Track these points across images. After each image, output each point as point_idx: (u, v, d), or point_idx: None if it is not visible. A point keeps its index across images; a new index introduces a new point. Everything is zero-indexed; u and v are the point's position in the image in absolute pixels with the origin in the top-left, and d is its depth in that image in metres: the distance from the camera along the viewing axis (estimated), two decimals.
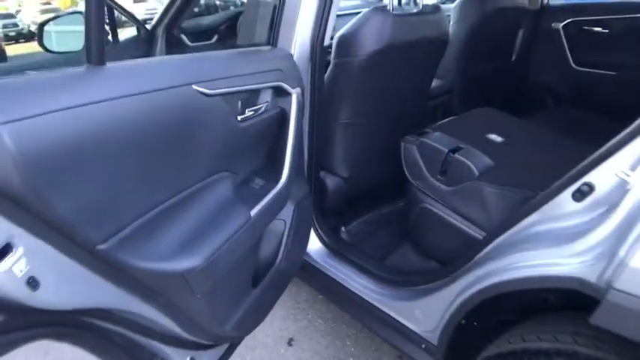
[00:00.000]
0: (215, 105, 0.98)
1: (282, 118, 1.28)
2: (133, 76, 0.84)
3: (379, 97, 1.80)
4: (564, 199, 1.06)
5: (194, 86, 0.91)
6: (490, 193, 1.43)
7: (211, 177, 1.04)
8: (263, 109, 1.19)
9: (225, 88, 1.00)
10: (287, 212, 1.42)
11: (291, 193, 1.36)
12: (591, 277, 0.93)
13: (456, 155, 1.51)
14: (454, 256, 1.54)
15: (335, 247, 1.80)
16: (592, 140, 2.13)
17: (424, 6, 1.80)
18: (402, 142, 1.69)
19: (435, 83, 2.23)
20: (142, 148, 0.83)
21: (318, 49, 1.47)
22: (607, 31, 2.38)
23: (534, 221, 1.13)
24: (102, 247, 0.79)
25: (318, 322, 2.11)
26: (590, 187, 1.01)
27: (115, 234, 0.81)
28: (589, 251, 0.96)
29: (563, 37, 2.55)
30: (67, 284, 0.79)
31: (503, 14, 2.36)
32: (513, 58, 2.66)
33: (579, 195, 1.03)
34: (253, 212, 1.10)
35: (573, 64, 2.54)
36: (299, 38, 1.42)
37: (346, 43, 1.62)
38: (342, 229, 2.00)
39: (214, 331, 1.15)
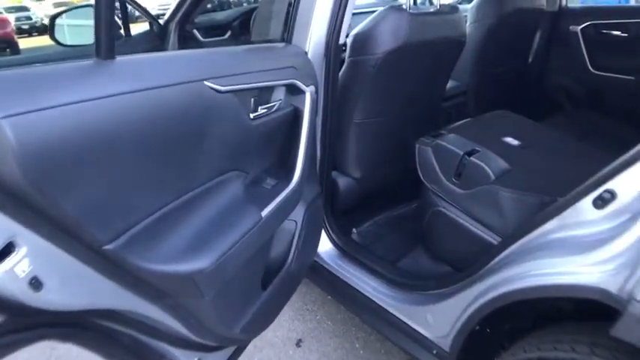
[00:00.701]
0: (227, 102, 0.96)
1: (296, 116, 1.25)
2: (143, 71, 0.81)
3: (394, 96, 1.77)
4: (584, 206, 1.02)
5: (206, 82, 0.89)
6: (506, 197, 1.39)
7: (222, 176, 1.02)
8: (276, 107, 1.17)
9: (237, 84, 0.98)
10: (298, 213, 1.40)
11: (302, 193, 1.33)
12: (613, 287, 0.90)
13: (472, 158, 1.47)
14: (468, 260, 1.51)
15: (346, 248, 1.77)
16: (610, 146, 2.09)
17: (441, 5, 1.77)
18: (416, 143, 1.66)
19: (449, 84, 2.20)
20: (151, 145, 0.81)
21: (333, 46, 1.44)
22: (626, 34, 2.33)
23: (553, 228, 1.09)
24: (109, 247, 0.77)
25: (327, 324, 2.09)
26: (612, 195, 0.97)
27: (123, 234, 0.79)
28: (610, 261, 0.93)
29: (581, 40, 2.50)
30: (72, 285, 0.77)
31: (520, 16, 2.31)
32: (530, 60, 2.61)
33: (600, 202, 0.99)
34: (264, 213, 1.07)
35: (591, 68, 2.49)
36: (314, 35, 1.40)
37: (362, 41, 1.60)
38: (354, 230, 1.97)
39: (222, 333, 1.12)
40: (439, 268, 1.68)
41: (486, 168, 1.43)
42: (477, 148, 1.51)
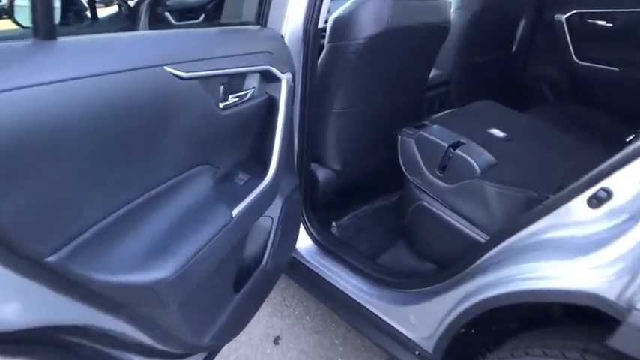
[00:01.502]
0: (192, 90, 0.85)
1: (271, 105, 1.16)
2: (92, 55, 0.70)
3: (376, 84, 1.69)
4: (578, 205, 0.96)
5: (166, 67, 0.79)
6: (492, 192, 1.33)
7: (188, 172, 0.92)
8: (249, 95, 1.07)
9: (204, 70, 0.88)
10: (275, 208, 1.31)
11: (279, 188, 1.24)
12: (611, 294, 0.84)
13: (457, 151, 1.40)
14: (452, 257, 1.45)
15: (325, 243, 1.70)
16: (594, 138, 2.05)
17: None
18: (399, 135, 1.58)
19: (432, 73, 2.12)
20: (100, 139, 0.70)
21: (311, 31, 1.35)
22: (611, 24, 2.28)
23: (543, 227, 1.03)
24: (51, 259, 0.66)
25: (306, 320, 2.02)
26: (608, 194, 0.91)
27: (68, 243, 0.69)
28: (608, 265, 0.87)
29: (565, 29, 2.44)
30: (17, 301, 0.67)
31: (505, 3, 2.25)
32: (514, 49, 2.55)
33: (595, 201, 0.93)
34: (236, 212, 0.98)
35: (575, 58, 2.44)
36: (291, 18, 1.30)
37: (342, 25, 1.50)
38: (333, 224, 1.89)
39: (192, 342, 1.04)
40: (422, 264, 1.62)
41: (472, 161, 1.37)
42: (462, 141, 1.44)
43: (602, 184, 0.91)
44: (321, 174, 1.77)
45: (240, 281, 1.21)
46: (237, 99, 1.01)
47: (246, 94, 1.05)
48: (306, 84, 1.43)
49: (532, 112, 2.28)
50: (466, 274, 1.21)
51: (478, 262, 1.18)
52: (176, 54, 0.83)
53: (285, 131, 1.18)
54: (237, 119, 1.03)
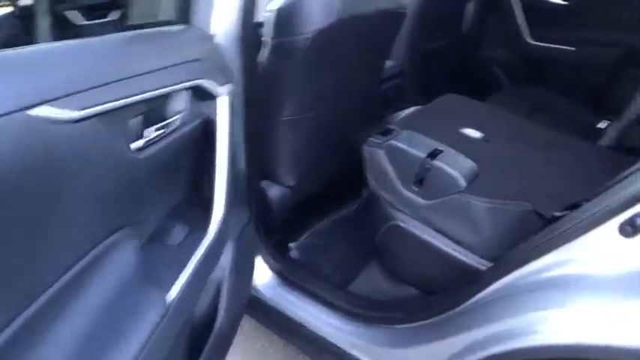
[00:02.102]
0: (87, 135, 0.57)
1: (208, 129, 0.89)
2: None
3: (329, 84, 1.44)
4: (608, 233, 0.77)
5: (37, 111, 0.50)
6: (480, 208, 1.13)
7: (98, 246, 0.64)
8: (178, 122, 0.80)
9: (106, 102, 0.60)
10: (225, 254, 1.05)
11: (229, 229, 0.98)
12: None
13: (436, 162, 1.19)
14: (436, 281, 1.25)
15: (285, 272, 1.45)
16: (560, 124, 1.92)
17: None
18: (364, 145, 1.35)
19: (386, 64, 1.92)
20: None
21: (248, 26, 1.09)
22: (566, 3, 2.15)
23: (562, 260, 0.84)
24: None
25: (270, 353, 1.77)
26: None
27: None
28: None
29: (517, 8, 2.29)
30: None
31: None
32: (465, 32, 2.37)
33: (631, 229, 0.74)
34: (173, 293, 0.71)
35: (530, 39, 2.30)
36: (221, 12, 1.02)
37: (286, 18, 1.24)
38: (291, 245, 1.65)
39: None
40: (401, 290, 1.41)
41: (454, 174, 1.16)
42: (439, 148, 1.23)
43: None
44: (274, 193, 1.51)
45: (193, 354, 0.94)
46: (160, 131, 0.74)
47: (172, 123, 0.78)
48: (247, 91, 1.17)
49: (492, 100, 2.13)
50: (465, 311, 1.01)
51: (479, 296, 0.98)
52: (55, 85, 0.54)
53: (230, 159, 0.92)
54: (161, 158, 0.75)
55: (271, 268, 1.48)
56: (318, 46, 1.27)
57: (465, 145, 1.29)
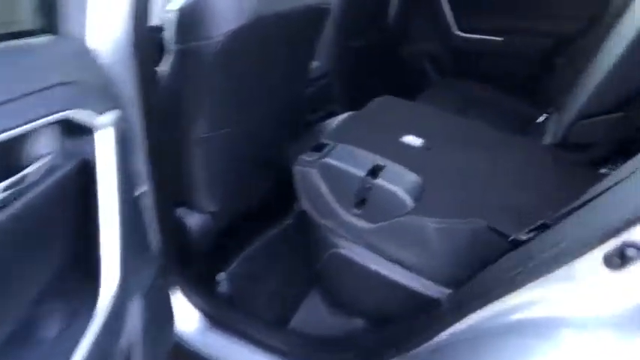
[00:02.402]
0: None
1: (86, 176, 0.67)
2: None
3: (248, 93, 1.25)
4: (591, 265, 0.65)
5: None
6: (430, 229, 1.00)
7: None
8: (43, 171, 0.58)
9: None
10: (133, 317, 0.83)
11: (131, 290, 0.77)
12: None
13: (378, 180, 1.04)
14: (386, 311, 1.11)
15: (214, 312, 1.26)
16: (497, 118, 1.86)
17: None
18: (295, 165, 1.18)
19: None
20: None
21: (141, 31, 0.87)
22: None
23: (538, 297, 0.72)
24: None
25: None
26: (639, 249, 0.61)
27: None
28: None
29: None
30: None
31: None
32: (391, 26, 2.26)
33: (618, 260, 0.63)
34: None
35: (456, 30, 2.23)
36: (101, 16, 0.80)
37: (191, 19, 1.04)
38: (219, 277, 1.45)
39: None
40: (349, 322, 1.25)
41: (400, 193, 1.02)
42: (379, 164, 1.08)
43: (629, 234, 0.61)
44: (193, 221, 1.31)
45: None
46: (12, 191, 0.52)
47: (33, 173, 0.56)
48: (149, 110, 0.95)
49: (424, 98, 2.04)
50: (427, 354, 0.87)
51: (441, 337, 0.85)
52: None
53: (123, 204, 0.71)
54: (18, 226, 0.53)
55: (197, 308, 1.27)
56: (232, 50, 1.07)
57: (406, 156, 1.15)
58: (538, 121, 1.70)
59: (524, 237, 0.85)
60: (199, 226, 1.32)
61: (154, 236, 1.10)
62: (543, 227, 0.82)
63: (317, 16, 1.35)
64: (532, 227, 0.85)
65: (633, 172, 0.68)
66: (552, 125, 1.52)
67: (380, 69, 2.23)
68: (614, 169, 1.37)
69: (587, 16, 1.96)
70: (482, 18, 2.15)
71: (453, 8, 2.18)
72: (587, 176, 1.26)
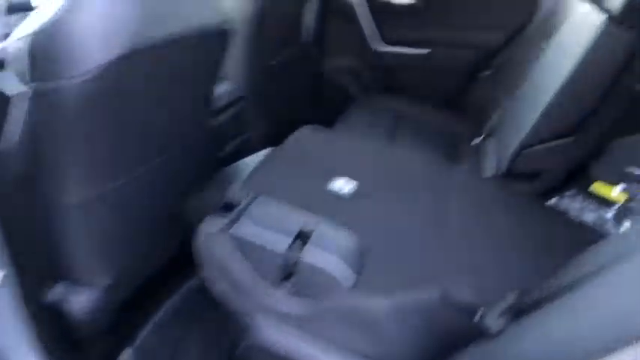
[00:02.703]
0: None
1: None
2: None
3: (132, 138, 0.98)
4: None
5: None
6: (376, 309, 0.80)
7: None
8: None
9: None
10: None
11: None
12: None
13: (307, 253, 0.82)
14: None
15: None
16: (429, 139, 1.71)
17: None
18: (199, 235, 0.93)
19: (221, 89, 1.51)
20: None
21: None
22: (413, 2, 1.95)
23: None
24: None
25: None
26: None
27: None
28: None
29: (362, 11, 2.04)
30: None
31: None
32: (306, 41, 2.06)
33: None
34: None
35: (377, 43, 2.07)
36: None
37: (49, 51, 0.77)
38: (127, 353, 1.17)
39: None
40: None
41: (336, 268, 0.81)
42: (306, 228, 0.87)
43: None
44: (78, 303, 1.03)
45: None
46: None
47: None
48: None
49: (348, 118, 1.86)
50: None
51: None
52: None
53: None
54: None
55: None
56: (106, 87, 0.82)
57: (338, 209, 0.95)
58: (474, 143, 1.58)
59: (493, 325, 0.67)
60: (88, 305, 1.04)
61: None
62: (518, 312, 0.65)
63: (216, 39, 1.12)
64: (502, 310, 0.68)
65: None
66: (492, 151, 1.40)
67: (299, 87, 2.03)
68: (564, 198, 1.27)
69: (512, 26, 1.89)
70: (404, 31, 2.01)
71: (375, 21, 2.02)
72: (546, 215, 1.14)
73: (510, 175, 1.23)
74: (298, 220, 0.87)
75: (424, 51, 2.01)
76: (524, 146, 1.17)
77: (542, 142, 1.16)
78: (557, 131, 1.14)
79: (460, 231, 0.99)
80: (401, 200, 1.04)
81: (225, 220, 0.89)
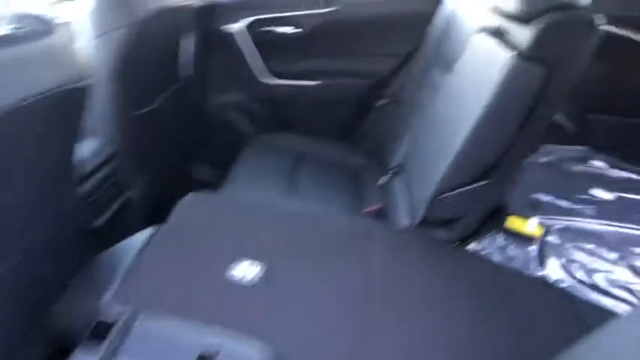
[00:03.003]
0: None
1: None
2: None
3: None
4: None
5: None
6: None
7: None
8: None
9: None
10: None
11: None
12: None
13: None
14: None
15: None
16: (328, 180, 1.58)
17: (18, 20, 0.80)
18: None
19: (85, 150, 1.26)
20: None
21: None
22: (300, 30, 1.83)
23: None
24: None
25: None
26: None
27: None
28: None
29: (243, 40, 1.88)
30: None
31: (167, 18, 1.51)
32: (188, 77, 1.84)
33: None
34: None
35: (266, 77, 1.92)
36: None
37: None
38: None
39: None
40: None
41: None
42: (208, 352, 0.67)
43: None
44: None
45: None
46: None
47: None
48: None
49: (241, 163, 1.67)
50: None
51: None
52: None
53: None
54: None
55: None
56: None
57: (244, 305, 0.77)
58: (380, 182, 1.48)
59: None
60: None
61: None
62: None
63: (67, 100, 0.88)
64: None
65: None
66: (402, 196, 1.30)
67: (182, 132, 1.81)
68: (484, 239, 1.21)
69: (401, 54, 1.84)
70: (292, 61, 1.89)
71: (260, 51, 1.86)
72: (471, 264, 1.05)
73: (426, 222, 1.14)
74: (196, 342, 0.67)
75: (314, 82, 1.89)
76: (439, 193, 1.08)
77: (457, 187, 1.07)
78: (473, 175, 1.06)
79: (386, 304, 0.86)
80: (315, 280, 0.89)
81: (100, 354, 0.66)
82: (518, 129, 1.00)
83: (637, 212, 1.32)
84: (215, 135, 2.01)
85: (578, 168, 1.58)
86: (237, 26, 1.84)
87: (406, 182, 1.31)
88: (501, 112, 0.99)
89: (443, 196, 1.09)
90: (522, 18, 0.99)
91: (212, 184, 1.69)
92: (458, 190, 1.07)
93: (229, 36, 1.87)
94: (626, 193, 1.40)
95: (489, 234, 1.17)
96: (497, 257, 1.14)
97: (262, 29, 1.85)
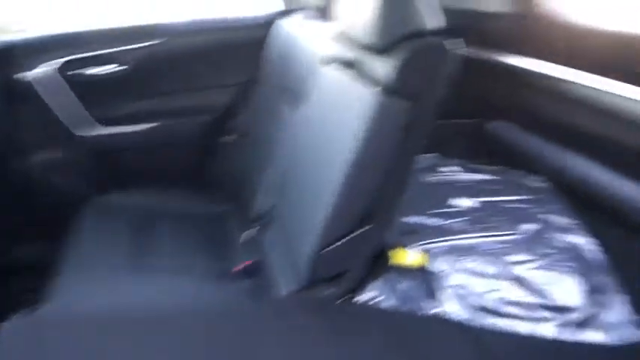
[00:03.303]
0: None
1: None
2: None
3: None
4: None
5: None
6: None
7: None
8: None
9: None
10: None
11: None
12: None
13: None
14: None
15: None
16: (184, 241, 1.35)
17: None
18: None
19: None
20: None
21: None
22: (124, 67, 1.56)
23: None
24: None
25: None
26: None
27: None
28: None
29: (47, 88, 1.54)
30: None
31: None
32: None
33: None
34: None
35: (81, 127, 1.61)
36: None
37: None
38: None
39: None
40: None
41: None
42: None
43: None
44: None
45: None
46: None
47: None
48: None
49: (78, 240, 1.37)
50: None
51: None
52: None
53: None
54: None
55: None
56: None
57: None
58: (245, 238, 1.32)
59: None
60: None
61: None
62: None
63: None
64: None
65: None
66: (279, 256, 1.16)
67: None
68: (375, 284, 1.11)
69: (237, 86, 1.70)
70: (114, 105, 1.62)
71: (81, 98, 1.56)
72: (368, 321, 0.95)
73: (311, 281, 1.01)
74: None
75: (148, 125, 1.64)
76: (321, 248, 0.97)
77: (340, 238, 0.97)
78: (353, 223, 0.97)
79: None
80: None
81: None
82: (392, 166, 0.94)
83: (498, 215, 1.35)
84: (38, 204, 1.63)
85: (434, 178, 1.58)
86: (38, 72, 1.51)
87: (279, 235, 1.17)
88: (372, 152, 0.91)
89: (325, 251, 0.97)
90: (376, 49, 0.92)
91: (41, 267, 1.35)
92: (341, 241, 0.97)
93: (27, 84, 1.53)
94: (485, 196, 1.42)
95: (379, 277, 1.08)
96: (391, 299, 1.06)
97: (77, 71, 1.54)
